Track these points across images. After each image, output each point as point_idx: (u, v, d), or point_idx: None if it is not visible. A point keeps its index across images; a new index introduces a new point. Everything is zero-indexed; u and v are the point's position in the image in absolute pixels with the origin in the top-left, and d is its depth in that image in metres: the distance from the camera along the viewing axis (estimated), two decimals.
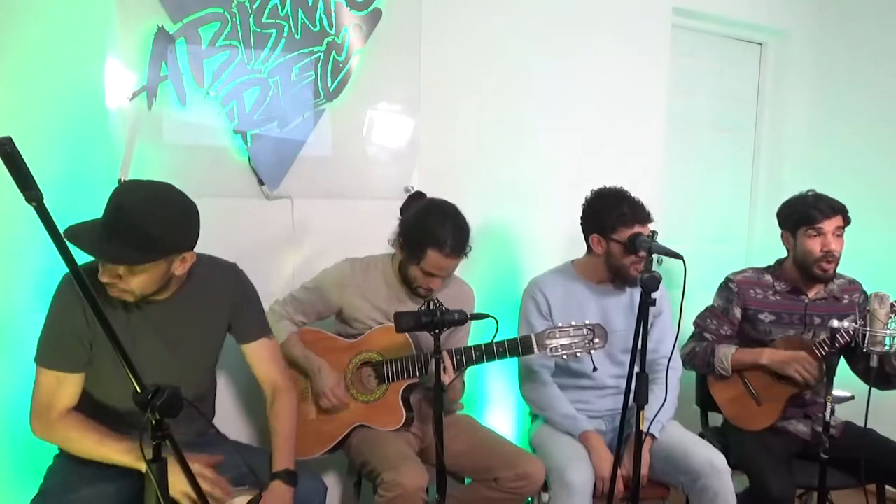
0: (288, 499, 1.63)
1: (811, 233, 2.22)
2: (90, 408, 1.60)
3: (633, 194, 2.15)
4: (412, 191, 2.32)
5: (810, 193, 2.30)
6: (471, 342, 2.17)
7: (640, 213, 2.10)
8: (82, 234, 1.39)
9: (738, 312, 2.35)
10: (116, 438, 1.52)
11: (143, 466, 1.41)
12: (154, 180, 1.53)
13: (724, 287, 2.41)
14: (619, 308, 2.25)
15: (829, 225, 2.21)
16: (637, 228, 2.07)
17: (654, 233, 1.97)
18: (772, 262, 2.43)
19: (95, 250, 1.41)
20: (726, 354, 2.28)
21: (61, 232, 1.05)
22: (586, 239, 2.22)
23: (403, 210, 2.12)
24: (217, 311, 1.72)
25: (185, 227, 1.52)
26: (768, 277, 2.37)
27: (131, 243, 1.41)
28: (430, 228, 1.97)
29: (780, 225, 2.35)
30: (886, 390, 2.14)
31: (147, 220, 1.43)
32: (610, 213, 2.11)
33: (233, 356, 1.85)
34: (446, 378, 1.86)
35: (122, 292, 1.50)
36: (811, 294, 2.32)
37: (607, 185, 2.21)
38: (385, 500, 1.79)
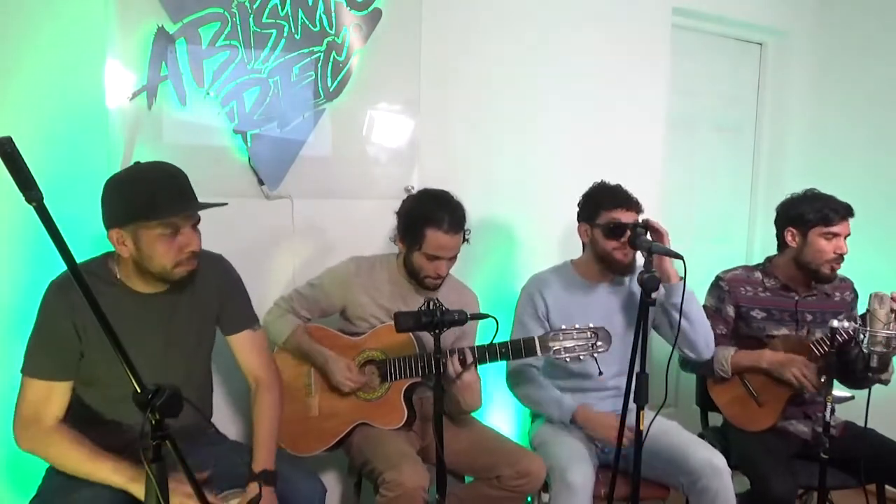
0: (269, 499, 1.62)
1: (827, 234, 2.21)
2: (81, 415, 1.59)
3: (624, 187, 2.18)
4: (412, 191, 2.33)
5: (822, 194, 2.27)
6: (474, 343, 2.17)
7: (619, 197, 2.15)
8: (181, 198, 1.53)
9: (731, 311, 2.35)
10: (107, 457, 1.49)
11: (132, 488, 1.44)
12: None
13: (715, 286, 2.40)
14: (621, 308, 2.25)
15: (844, 228, 2.21)
16: (618, 213, 2.11)
17: (641, 224, 2.03)
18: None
19: (199, 205, 1.54)
20: (725, 356, 2.27)
21: (61, 232, 1.04)
22: (579, 233, 2.26)
23: (400, 210, 2.15)
24: (207, 302, 1.72)
25: None
26: (758, 275, 2.37)
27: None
28: (426, 210, 2.00)
29: (788, 221, 2.29)
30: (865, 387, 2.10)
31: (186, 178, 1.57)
32: (592, 200, 2.19)
33: (230, 354, 1.84)
34: (453, 373, 1.88)
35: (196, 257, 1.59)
36: (802, 292, 2.32)
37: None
38: (386, 500, 1.79)
